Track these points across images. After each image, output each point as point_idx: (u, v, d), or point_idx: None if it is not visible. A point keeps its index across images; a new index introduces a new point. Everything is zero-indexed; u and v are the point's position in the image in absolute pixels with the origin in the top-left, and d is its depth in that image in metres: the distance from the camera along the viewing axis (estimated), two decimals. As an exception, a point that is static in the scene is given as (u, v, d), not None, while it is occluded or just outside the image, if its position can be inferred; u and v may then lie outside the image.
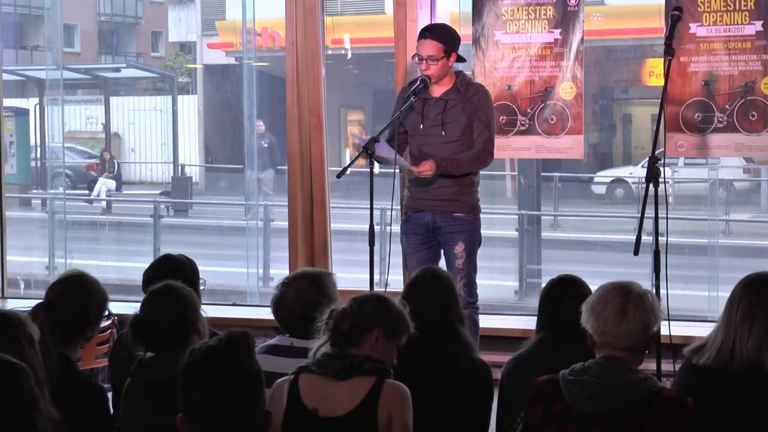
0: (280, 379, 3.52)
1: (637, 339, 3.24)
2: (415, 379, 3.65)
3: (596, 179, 18.84)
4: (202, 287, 4.47)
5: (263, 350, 4.09)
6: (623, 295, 3.26)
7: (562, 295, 3.93)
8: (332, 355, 3.47)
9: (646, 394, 3.15)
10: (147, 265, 4.58)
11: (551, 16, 6.32)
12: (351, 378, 3.43)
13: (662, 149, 5.65)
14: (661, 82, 5.73)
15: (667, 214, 5.25)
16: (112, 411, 3.85)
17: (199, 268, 4.61)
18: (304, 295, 3.99)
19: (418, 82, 5.69)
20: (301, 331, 3.91)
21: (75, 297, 3.87)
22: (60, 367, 3.58)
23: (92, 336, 3.99)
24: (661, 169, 5.08)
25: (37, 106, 16.63)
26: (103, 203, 18.17)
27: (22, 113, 15.25)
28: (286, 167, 7.12)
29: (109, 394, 4.15)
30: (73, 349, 3.87)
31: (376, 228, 5.79)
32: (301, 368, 3.50)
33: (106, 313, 5.82)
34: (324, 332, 3.54)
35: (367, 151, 5.51)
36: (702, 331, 5.83)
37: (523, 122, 6.40)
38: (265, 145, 14.78)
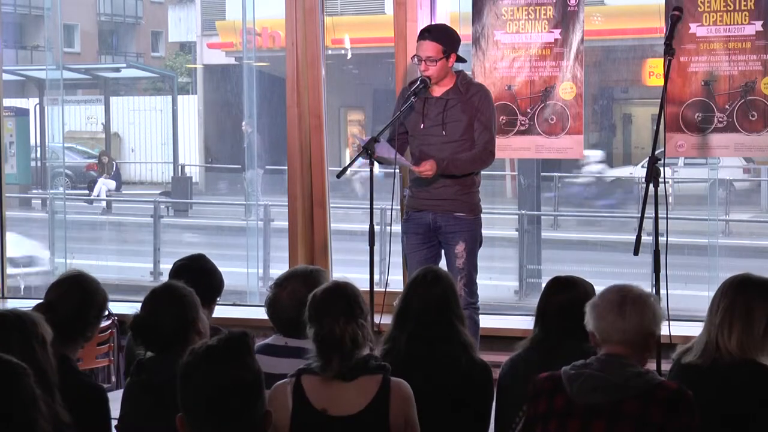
0: (279, 382, 3.52)
1: (635, 335, 3.29)
2: (416, 378, 3.65)
3: (596, 179, 18.83)
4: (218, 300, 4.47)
5: (257, 350, 4.09)
6: (623, 293, 3.35)
7: (553, 294, 3.97)
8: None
9: (648, 386, 3.19)
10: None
11: (551, 16, 6.32)
12: (357, 378, 3.45)
13: (662, 149, 5.65)
14: (661, 82, 5.73)
15: (667, 214, 5.25)
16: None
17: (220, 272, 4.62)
18: (297, 295, 3.99)
19: (418, 83, 5.69)
20: (296, 331, 3.91)
21: (74, 297, 3.87)
22: (60, 367, 3.58)
23: (92, 336, 3.99)
24: (661, 169, 5.09)
25: (37, 106, 16.62)
26: (103, 203, 18.17)
27: (22, 113, 15.27)
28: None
29: (110, 394, 4.15)
30: (72, 350, 3.86)
31: (376, 228, 5.80)
32: (301, 370, 3.50)
33: (106, 313, 5.84)
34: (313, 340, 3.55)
35: (367, 151, 5.51)
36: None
37: (523, 122, 6.40)
38: (244, 146, 14.79)
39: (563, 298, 3.90)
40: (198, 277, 4.18)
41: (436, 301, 4.05)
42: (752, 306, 3.58)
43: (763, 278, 3.71)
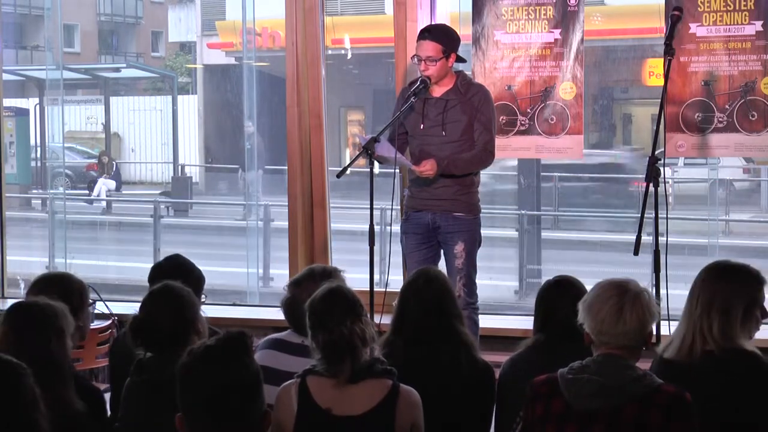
0: (285, 384, 3.54)
1: (634, 338, 3.26)
2: (418, 379, 3.65)
3: (596, 179, 18.82)
4: (203, 299, 4.44)
5: (269, 344, 4.10)
6: (620, 294, 3.27)
7: (558, 297, 3.94)
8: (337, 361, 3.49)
9: (646, 390, 3.17)
10: (147, 265, 4.58)
11: (551, 16, 6.32)
12: (363, 380, 3.47)
13: (662, 149, 5.65)
14: (661, 82, 5.73)
15: (667, 214, 5.26)
16: (109, 411, 3.85)
17: (199, 268, 4.60)
18: None
19: (418, 83, 5.69)
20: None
21: (53, 290, 3.87)
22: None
23: (85, 326, 3.97)
24: (661, 169, 5.09)
25: (37, 106, 16.63)
26: (103, 203, 18.17)
27: (22, 113, 15.27)
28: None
29: (107, 395, 4.15)
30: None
31: (376, 228, 5.80)
32: (307, 371, 3.52)
33: (98, 307, 5.84)
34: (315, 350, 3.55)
35: (367, 151, 5.51)
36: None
37: (523, 122, 6.40)
38: (248, 147, 14.79)
39: (570, 303, 3.86)
40: (175, 276, 4.15)
41: (431, 304, 4.04)
42: (730, 294, 3.58)
43: (735, 264, 3.71)
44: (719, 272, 3.67)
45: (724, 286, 3.61)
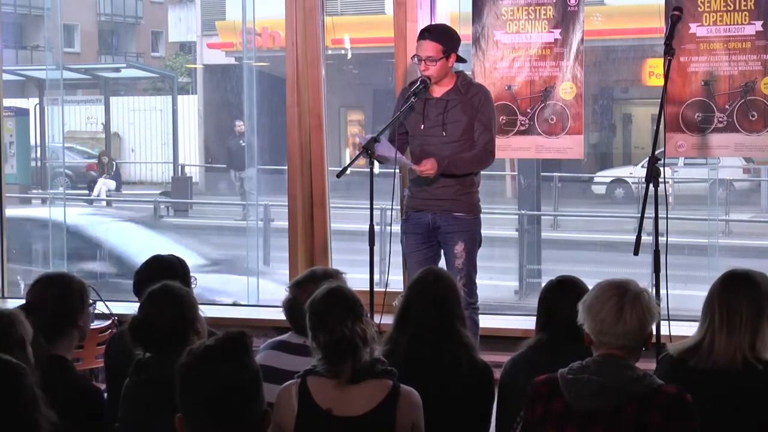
0: (285, 384, 3.54)
1: (634, 338, 3.26)
2: (418, 379, 3.65)
3: (596, 179, 18.85)
4: (193, 285, 4.45)
5: (272, 345, 4.11)
6: (620, 294, 3.27)
7: (560, 298, 3.94)
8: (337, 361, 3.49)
9: (646, 390, 3.17)
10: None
11: (551, 16, 6.32)
12: (364, 381, 3.46)
13: (662, 149, 5.65)
14: (661, 82, 5.73)
15: (667, 214, 5.25)
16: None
17: (178, 256, 4.61)
18: None
19: (419, 83, 5.69)
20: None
21: (52, 290, 3.86)
22: (56, 368, 3.57)
23: (85, 327, 3.96)
24: (661, 169, 5.08)
25: (37, 106, 16.63)
26: (103, 203, 18.17)
27: (22, 113, 15.26)
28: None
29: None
30: (68, 348, 3.85)
31: (376, 228, 5.79)
32: (307, 371, 3.52)
33: (98, 307, 5.84)
34: (315, 349, 3.55)
35: (367, 151, 5.51)
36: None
37: (523, 122, 6.40)
38: (243, 144, 14.78)
39: (572, 303, 3.86)
40: (163, 278, 4.12)
41: (437, 303, 4.05)
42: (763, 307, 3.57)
43: (757, 275, 3.69)
44: (759, 282, 3.64)
45: (755, 295, 3.59)
